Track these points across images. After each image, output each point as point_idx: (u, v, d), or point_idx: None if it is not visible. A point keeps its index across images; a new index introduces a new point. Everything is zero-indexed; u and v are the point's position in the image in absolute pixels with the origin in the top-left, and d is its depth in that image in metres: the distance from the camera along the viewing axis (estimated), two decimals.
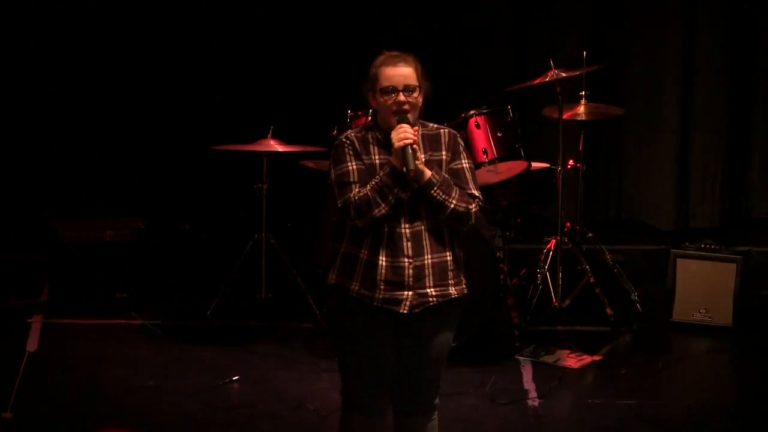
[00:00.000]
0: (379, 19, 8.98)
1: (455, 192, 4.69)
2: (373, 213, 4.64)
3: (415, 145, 4.64)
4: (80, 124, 9.08)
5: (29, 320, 7.59)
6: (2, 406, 6.24)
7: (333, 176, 4.76)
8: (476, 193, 4.76)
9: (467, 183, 4.76)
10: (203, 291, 7.93)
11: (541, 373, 6.91)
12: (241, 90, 9.09)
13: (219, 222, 9.16)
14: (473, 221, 4.74)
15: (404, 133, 4.63)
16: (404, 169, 4.60)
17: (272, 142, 7.54)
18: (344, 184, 4.70)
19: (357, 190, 4.68)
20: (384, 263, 4.70)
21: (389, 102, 4.71)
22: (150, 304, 7.84)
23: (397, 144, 4.63)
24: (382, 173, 4.67)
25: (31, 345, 7.20)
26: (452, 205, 4.68)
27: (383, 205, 4.64)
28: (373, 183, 4.66)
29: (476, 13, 9.11)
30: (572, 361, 7.09)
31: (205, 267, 8.63)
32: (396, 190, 4.64)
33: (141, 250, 7.83)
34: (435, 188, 4.66)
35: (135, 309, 7.74)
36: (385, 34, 8.79)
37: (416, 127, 4.68)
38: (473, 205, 4.72)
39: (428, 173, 4.67)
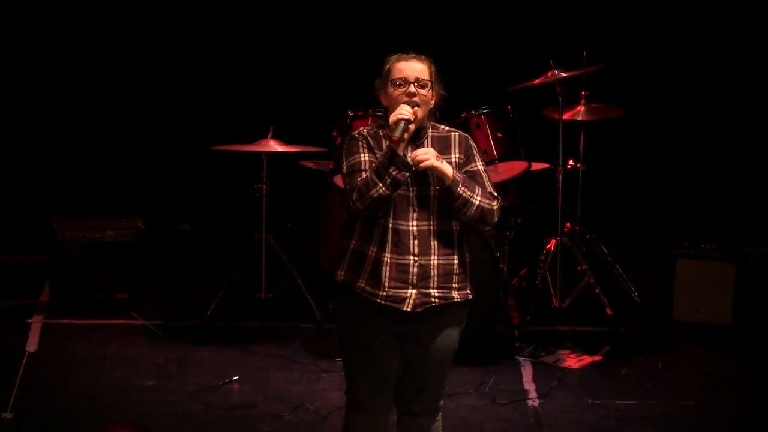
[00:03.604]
0: (379, 20, 8.98)
1: (478, 189, 4.73)
2: (371, 193, 4.66)
3: (411, 126, 4.69)
4: (80, 123, 9.08)
5: (29, 320, 7.59)
6: (2, 406, 6.24)
7: (344, 167, 4.80)
8: (495, 193, 4.81)
9: (486, 184, 4.82)
10: (203, 291, 7.93)
11: (541, 373, 6.91)
12: (241, 90, 9.09)
13: (219, 222, 9.16)
14: (497, 219, 4.78)
15: (400, 110, 4.70)
16: (394, 138, 4.64)
17: (272, 142, 7.54)
18: (354, 172, 4.75)
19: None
20: (389, 260, 4.73)
21: (399, 93, 4.75)
22: (150, 304, 7.84)
23: (391, 119, 4.68)
24: (380, 154, 4.70)
25: (31, 345, 7.20)
26: (477, 202, 4.72)
27: (380, 185, 4.65)
28: (373, 165, 4.70)
29: (476, 13, 9.10)
30: (572, 361, 7.10)
31: (205, 267, 8.63)
32: (392, 170, 4.65)
33: (141, 250, 7.83)
34: (460, 186, 4.69)
35: (135, 309, 7.74)
36: (385, 35, 8.79)
37: (416, 108, 4.73)
38: (496, 203, 4.77)
39: (452, 172, 4.70)
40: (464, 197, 4.71)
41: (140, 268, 7.82)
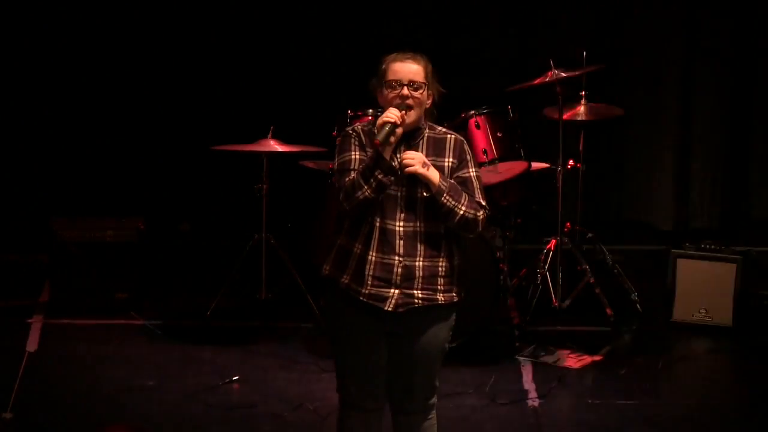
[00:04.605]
0: (379, 19, 8.98)
1: (464, 198, 4.73)
2: (357, 195, 4.67)
3: (398, 129, 4.68)
4: (80, 123, 9.08)
5: (29, 320, 7.59)
6: (2, 406, 6.24)
7: (336, 164, 4.80)
8: (483, 202, 4.80)
9: (475, 192, 4.79)
10: (203, 291, 7.93)
11: (541, 373, 6.91)
12: (241, 90, 9.09)
13: (219, 222, 9.16)
14: (481, 228, 4.78)
15: (388, 113, 4.69)
16: (376, 141, 4.65)
17: (272, 142, 7.55)
18: (344, 171, 4.76)
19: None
20: (374, 259, 4.74)
21: (393, 95, 4.75)
22: (150, 304, 7.84)
23: (378, 122, 4.68)
24: (367, 156, 4.70)
25: (31, 345, 7.20)
26: (461, 212, 4.72)
27: (365, 188, 4.67)
28: (360, 167, 4.70)
29: (476, 13, 9.10)
30: (572, 361, 7.09)
31: (205, 267, 8.63)
32: (377, 173, 4.66)
33: (141, 250, 7.83)
34: (444, 194, 4.69)
35: (135, 309, 7.74)
36: (385, 35, 8.79)
37: (404, 112, 4.72)
38: (481, 213, 4.76)
39: (437, 180, 4.69)
40: (448, 206, 4.71)
41: (140, 268, 7.83)
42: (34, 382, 6.65)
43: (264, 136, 7.58)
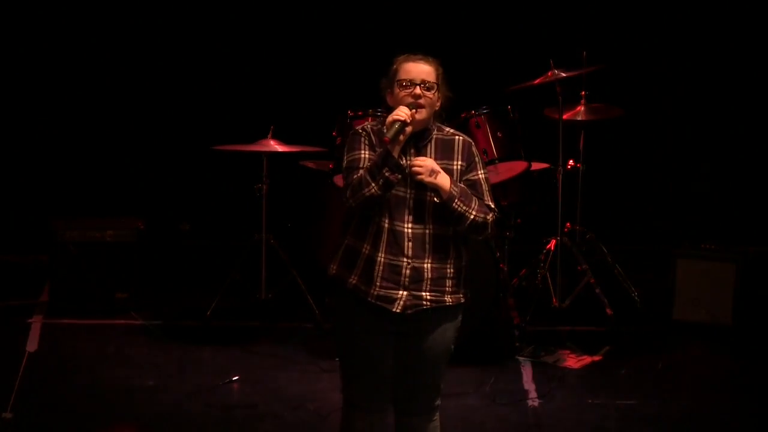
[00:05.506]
0: (379, 20, 8.98)
1: (474, 203, 4.73)
2: (363, 192, 4.67)
3: (407, 128, 4.68)
4: (80, 124, 9.08)
5: (29, 320, 7.59)
6: (2, 406, 6.24)
7: (345, 162, 4.80)
8: (492, 204, 4.80)
9: (484, 195, 4.80)
10: (203, 291, 7.93)
11: (541, 373, 6.91)
12: (241, 90, 9.09)
13: (219, 222, 9.17)
14: (490, 231, 4.78)
15: (398, 111, 4.70)
16: (386, 138, 4.66)
17: (272, 142, 7.55)
18: (352, 168, 4.75)
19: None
20: (383, 260, 4.73)
21: (404, 94, 4.75)
22: (150, 304, 7.84)
23: (388, 119, 4.68)
24: (375, 154, 4.71)
25: (31, 345, 7.20)
26: (472, 216, 4.72)
27: (373, 185, 4.66)
28: (368, 164, 4.71)
29: (476, 13, 9.11)
30: (572, 361, 7.10)
31: (205, 267, 8.63)
32: (385, 171, 4.66)
33: (141, 250, 7.83)
34: (456, 200, 4.69)
35: (135, 309, 7.74)
36: (385, 35, 8.79)
37: (414, 111, 4.73)
38: (490, 216, 4.76)
39: (448, 186, 4.69)
40: (459, 212, 4.71)
41: (140, 268, 7.83)
42: (34, 382, 6.65)
43: (264, 136, 7.58)
